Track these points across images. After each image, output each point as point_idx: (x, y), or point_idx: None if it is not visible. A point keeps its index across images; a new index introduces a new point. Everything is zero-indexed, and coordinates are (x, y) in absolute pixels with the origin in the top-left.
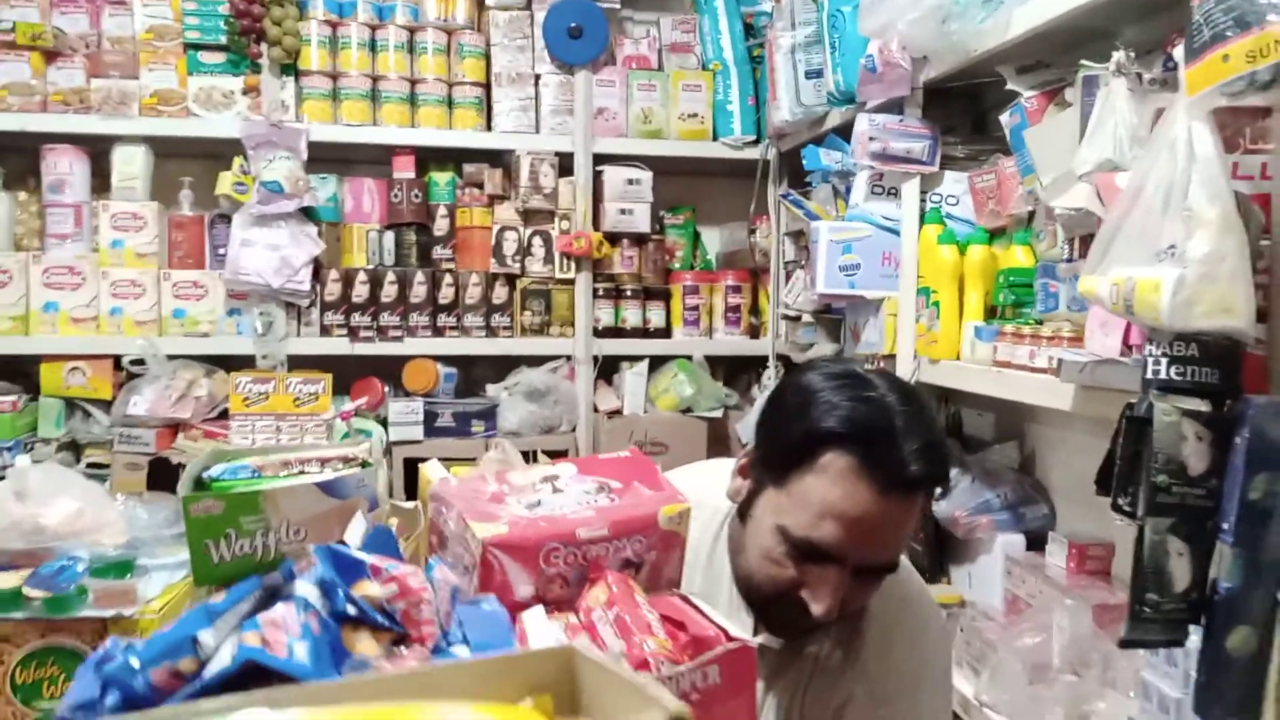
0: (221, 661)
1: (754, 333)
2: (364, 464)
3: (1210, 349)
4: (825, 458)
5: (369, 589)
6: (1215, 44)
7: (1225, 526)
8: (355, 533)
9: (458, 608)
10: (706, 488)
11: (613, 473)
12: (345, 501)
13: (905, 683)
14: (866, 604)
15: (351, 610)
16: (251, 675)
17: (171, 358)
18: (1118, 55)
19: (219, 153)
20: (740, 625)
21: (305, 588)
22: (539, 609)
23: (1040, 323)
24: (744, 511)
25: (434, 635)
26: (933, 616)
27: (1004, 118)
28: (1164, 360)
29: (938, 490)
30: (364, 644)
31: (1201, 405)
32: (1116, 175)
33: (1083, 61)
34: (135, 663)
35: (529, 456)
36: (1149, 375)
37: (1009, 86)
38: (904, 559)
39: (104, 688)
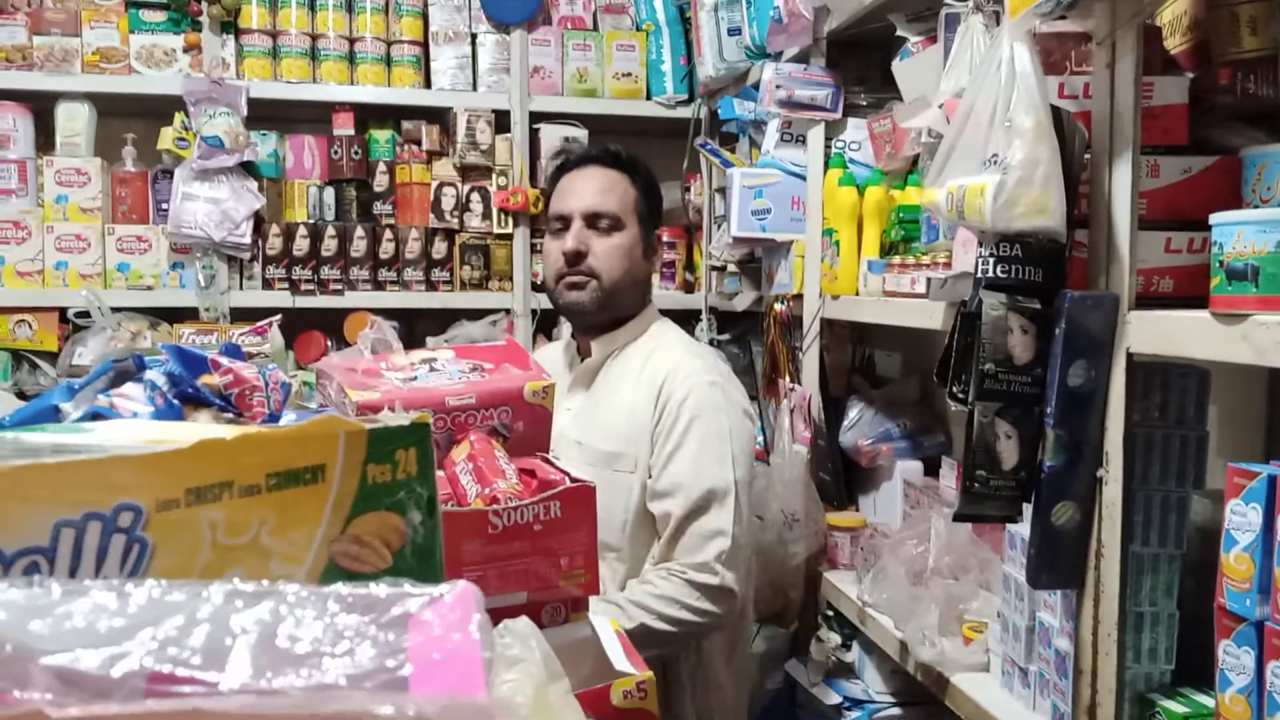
0: (72, 419)
1: (689, 288)
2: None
3: (1032, 249)
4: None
5: (209, 380)
6: None
7: (1049, 410)
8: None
9: None
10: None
11: (488, 357)
12: None
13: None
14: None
15: (192, 392)
16: None
17: (116, 310)
18: None
19: (161, 110)
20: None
21: (154, 375)
22: None
23: (924, 254)
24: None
25: (263, 415)
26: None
27: (894, 64)
28: (991, 260)
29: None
30: (203, 418)
31: (1025, 300)
32: (962, 98)
33: (946, 1)
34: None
35: None
36: (979, 275)
37: (898, 33)
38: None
39: None
